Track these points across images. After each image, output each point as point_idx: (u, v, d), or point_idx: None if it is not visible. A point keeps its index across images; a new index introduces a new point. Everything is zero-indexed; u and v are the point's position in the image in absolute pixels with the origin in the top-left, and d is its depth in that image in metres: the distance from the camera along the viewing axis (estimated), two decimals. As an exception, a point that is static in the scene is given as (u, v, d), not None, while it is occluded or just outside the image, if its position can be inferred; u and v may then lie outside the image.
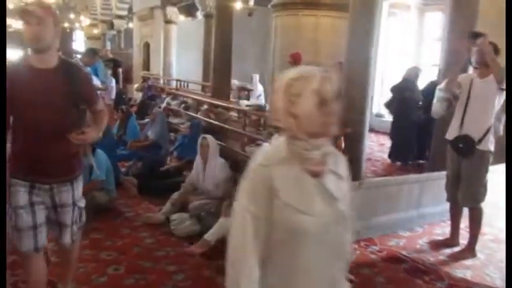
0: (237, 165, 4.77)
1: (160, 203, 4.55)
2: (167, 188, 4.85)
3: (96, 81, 7.25)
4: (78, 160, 2.37)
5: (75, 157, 2.32)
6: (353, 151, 3.79)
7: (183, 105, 6.63)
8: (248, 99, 8.62)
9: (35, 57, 2.13)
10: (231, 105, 5.64)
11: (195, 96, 6.59)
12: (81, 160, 2.42)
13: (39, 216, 2.21)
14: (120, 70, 10.85)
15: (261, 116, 4.70)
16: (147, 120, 9.61)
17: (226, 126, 5.24)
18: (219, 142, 4.59)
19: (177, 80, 10.73)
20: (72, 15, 17.96)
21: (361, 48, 3.82)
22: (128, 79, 13.85)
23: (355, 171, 3.90)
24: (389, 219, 4.17)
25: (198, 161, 4.36)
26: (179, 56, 12.77)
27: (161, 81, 12.95)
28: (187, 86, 10.65)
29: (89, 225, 3.79)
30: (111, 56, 10.89)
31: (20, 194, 2.17)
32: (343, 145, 3.72)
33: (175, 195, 4.29)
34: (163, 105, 7.08)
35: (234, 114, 6.17)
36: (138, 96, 12.09)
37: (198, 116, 5.94)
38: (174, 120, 6.76)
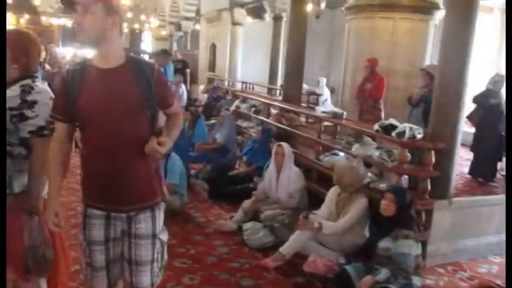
0: (310, 174, 4.60)
1: (231, 209, 4.48)
2: (237, 194, 4.78)
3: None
4: (159, 180, 1.94)
5: (155, 177, 1.89)
6: (443, 167, 3.49)
7: (253, 109, 6.53)
8: (317, 104, 8.42)
9: (98, 56, 1.78)
10: (305, 111, 5.44)
11: (266, 100, 6.46)
12: (162, 180, 1.99)
13: (114, 252, 1.87)
14: (188, 71, 11.02)
15: (338, 123, 4.47)
16: (212, 121, 9.73)
17: (299, 132, 5.07)
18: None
19: (243, 82, 10.72)
20: (142, 17, 18.61)
21: (456, 56, 3.50)
22: (193, 80, 14.08)
23: (445, 189, 3.60)
24: (480, 242, 3.81)
25: (271, 168, 4.23)
26: (245, 58, 12.78)
27: (226, 83, 13.05)
28: (253, 88, 10.60)
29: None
30: (180, 57, 11.09)
31: (95, 228, 1.83)
32: (433, 161, 3.42)
33: (247, 204, 4.19)
34: (232, 108, 7.03)
35: (302, 119, 5.99)
36: (203, 97, 12.24)
37: (269, 120, 5.81)
38: (243, 124, 6.69)
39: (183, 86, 10.45)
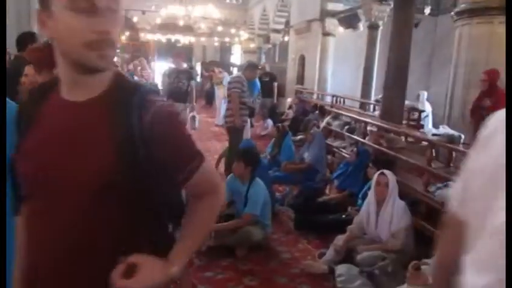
0: (415, 207, 3.86)
1: (319, 244, 3.90)
2: (328, 226, 4.19)
3: (249, 98, 7.03)
4: None
5: None
6: None
7: (346, 126, 5.89)
8: (419, 121, 7.50)
9: (71, 82, 1.01)
10: (412, 133, 4.68)
11: (361, 118, 5.77)
12: None
13: None
14: (276, 84, 10.64)
15: (455, 149, 3.68)
16: (299, 137, 9.20)
17: (402, 156, 4.33)
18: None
19: (333, 96, 10.06)
20: (232, 30, 18.78)
21: None
22: (281, 93, 13.71)
23: None
24: None
25: (370, 200, 3.57)
26: (335, 70, 12.11)
27: (315, 96, 12.46)
28: (344, 102, 9.90)
29: (242, 265, 3.39)
30: (268, 69, 10.77)
31: None
32: None
33: (339, 241, 3.57)
34: (323, 124, 6.45)
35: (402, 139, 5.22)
36: (291, 110, 11.79)
37: (365, 141, 5.13)
38: (334, 143, 6.06)
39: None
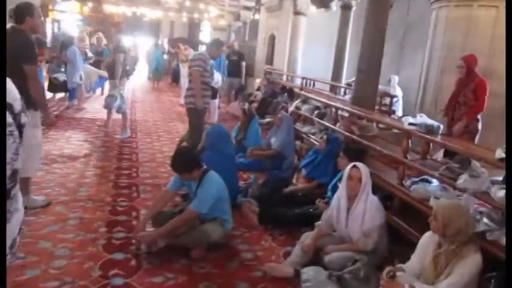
0: (388, 202, 3.57)
1: (285, 241, 3.57)
2: (295, 220, 3.85)
3: (217, 76, 6.49)
4: None
5: None
6: None
7: (316, 111, 5.52)
8: (390, 107, 7.24)
9: None
10: (386, 121, 4.33)
11: (333, 103, 5.40)
12: None
13: None
14: (244, 64, 10.17)
15: (433, 141, 3.38)
16: (268, 119, 8.81)
17: (377, 147, 4.01)
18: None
19: (303, 78, 9.69)
20: (201, 6, 18.01)
21: None
22: (249, 73, 13.24)
23: None
24: None
25: (341, 194, 3.23)
26: (306, 51, 11.74)
27: (284, 78, 12.07)
28: (314, 84, 9.55)
29: (198, 268, 3.00)
30: (237, 47, 10.26)
31: None
32: None
33: (307, 239, 3.23)
34: (292, 108, 6.07)
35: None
36: (259, 92, 11.37)
37: (337, 128, 4.78)
38: (303, 129, 5.70)
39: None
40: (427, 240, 2.62)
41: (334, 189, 4.00)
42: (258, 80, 12.23)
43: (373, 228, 3.08)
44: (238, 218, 3.86)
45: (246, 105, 9.33)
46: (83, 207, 3.88)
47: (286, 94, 9.65)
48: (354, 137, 4.39)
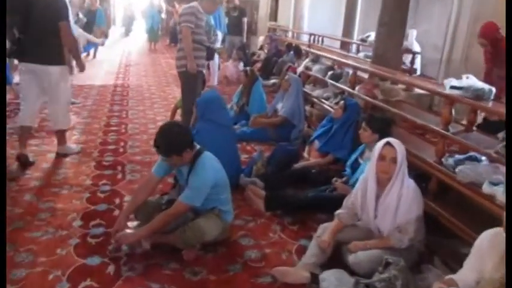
0: (423, 183, 2.92)
1: (299, 232, 2.97)
2: (309, 204, 3.22)
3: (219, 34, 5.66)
4: None
5: None
6: None
7: (330, 72, 4.75)
8: (411, 66, 6.48)
9: None
10: (420, 83, 3.55)
11: (350, 62, 4.61)
12: None
13: None
14: (245, 20, 9.28)
15: (480, 108, 2.69)
16: (272, 81, 8.06)
17: (408, 116, 3.32)
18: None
19: (310, 35, 8.85)
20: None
21: None
22: (251, 30, 12.32)
23: None
24: None
25: (369, 178, 2.57)
26: (313, 5, 10.75)
27: (290, 35, 11.18)
28: (323, 41, 8.73)
29: (191, 275, 2.40)
30: (237, 2, 9.34)
31: None
32: None
33: (325, 232, 2.60)
34: (300, 68, 5.31)
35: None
36: (262, 51, 10.55)
37: (355, 91, 4.06)
38: (313, 92, 4.97)
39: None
40: (489, 244, 1.97)
41: (354, 165, 3.37)
42: (261, 38, 11.35)
43: (409, 221, 2.44)
44: (241, 204, 3.25)
45: (241, 65, 8.50)
46: (57, 195, 3.27)
47: (292, 52, 8.83)
48: (377, 102, 3.69)
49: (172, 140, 2.50)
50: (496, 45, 3.93)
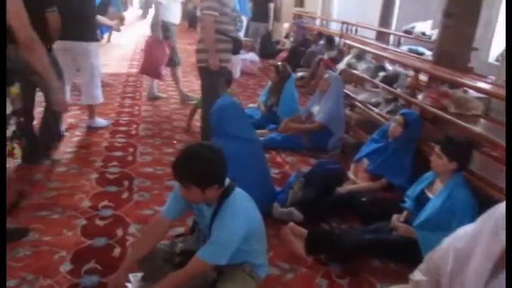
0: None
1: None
2: (363, 249, 2.51)
3: (233, 26, 4.89)
4: None
5: None
6: None
7: (381, 73, 3.93)
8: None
9: None
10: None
11: (411, 62, 3.76)
12: None
13: None
14: (272, 6, 8.47)
15: None
16: (300, 73, 7.28)
17: (494, 138, 2.55)
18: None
19: (343, 23, 8.01)
20: None
21: None
22: (275, 16, 11.48)
23: None
24: None
25: (477, 251, 1.82)
26: (344, -11, 9.88)
27: (318, 22, 10.35)
28: (356, 31, 7.90)
29: None
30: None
31: None
32: None
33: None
34: (342, 66, 4.53)
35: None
36: (287, 39, 9.76)
37: (416, 100, 3.29)
38: (358, 96, 4.19)
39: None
40: None
41: (419, 199, 2.64)
42: (285, 25, 10.53)
43: None
44: (275, 243, 2.55)
45: (252, 55, 7.54)
46: (45, 221, 2.62)
47: (322, 42, 8.04)
48: (448, 116, 2.91)
49: (199, 169, 1.77)
50: None
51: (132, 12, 18.41)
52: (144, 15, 17.66)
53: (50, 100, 2.57)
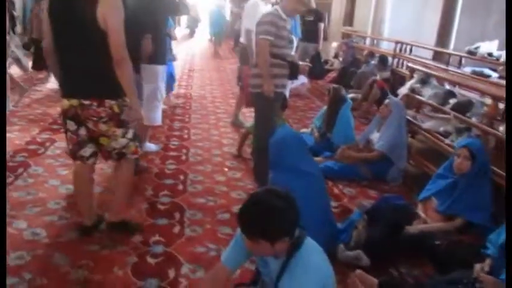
0: None
1: None
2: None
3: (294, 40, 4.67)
4: None
5: None
6: None
7: (452, 100, 3.60)
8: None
9: None
10: None
11: (490, 89, 3.36)
12: None
13: None
14: (322, 26, 8.27)
15: None
16: (350, 95, 6.98)
17: None
18: None
19: (397, 42, 7.68)
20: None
21: None
22: (324, 36, 11.27)
23: None
24: None
25: None
26: (396, 7, 9.51)
27: (368, 42, 10.05)
28: (411, 51, 7.54)
29: None
30: (313, 6, 8.32)
31: None
32: None
33: None
34: (404, 90, 4.24)
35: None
36: (336, 59, 9.52)
37: (496, 132, 2.96)
38: (424, 123, 3.88)
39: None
40: None
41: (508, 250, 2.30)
42: (334, 45, 10.30)
43: None
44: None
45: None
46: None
47: (373, 62, 7.75)
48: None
49: (271, 222, 1.57)
50: None
51: (180, 31, 18.79)
52: (191, 34, 17.99)
53: (128, 116, 2.52)
